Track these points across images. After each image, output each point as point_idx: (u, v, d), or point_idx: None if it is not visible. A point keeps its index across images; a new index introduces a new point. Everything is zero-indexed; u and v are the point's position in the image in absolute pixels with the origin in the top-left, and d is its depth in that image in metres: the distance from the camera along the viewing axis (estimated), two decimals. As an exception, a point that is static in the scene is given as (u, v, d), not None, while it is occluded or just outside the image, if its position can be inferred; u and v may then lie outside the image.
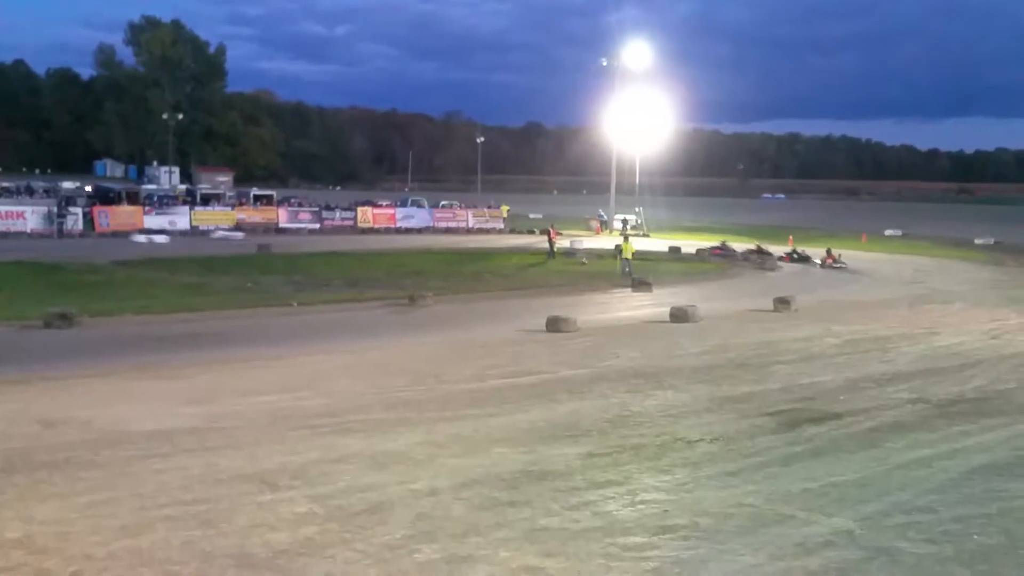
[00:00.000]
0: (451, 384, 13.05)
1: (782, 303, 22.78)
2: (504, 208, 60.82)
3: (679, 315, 20.63)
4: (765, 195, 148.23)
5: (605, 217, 60.29)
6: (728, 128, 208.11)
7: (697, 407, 11.59)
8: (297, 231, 49.11)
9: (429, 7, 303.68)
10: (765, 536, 6.80)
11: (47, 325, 18.31)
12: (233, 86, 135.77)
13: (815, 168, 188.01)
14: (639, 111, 59.67)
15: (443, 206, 60.53)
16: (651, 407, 11.54)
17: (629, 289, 28.53)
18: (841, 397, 12.28)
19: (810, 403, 11.87)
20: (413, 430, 10.09)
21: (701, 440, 9.83)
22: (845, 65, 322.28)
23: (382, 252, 39.47)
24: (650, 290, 27.84)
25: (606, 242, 43.66)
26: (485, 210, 60.03)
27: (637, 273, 30.75)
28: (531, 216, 66.80)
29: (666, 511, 7.38)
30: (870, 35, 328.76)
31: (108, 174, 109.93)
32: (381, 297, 24.88)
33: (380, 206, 57.57)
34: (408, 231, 52.52)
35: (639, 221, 58.25)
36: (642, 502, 7.61)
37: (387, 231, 52.21)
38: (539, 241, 45.18)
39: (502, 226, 57.34)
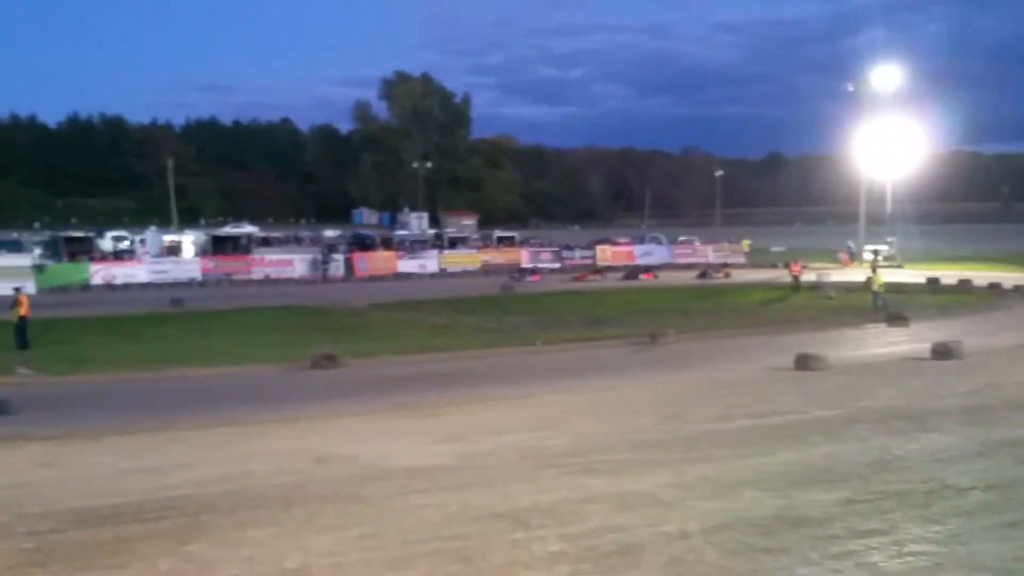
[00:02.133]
0: (696, 424, 12.84)
1: (1063, 337, 20.70)
2: (745, 242, 59.48)
3: (942, 351, 19.23)
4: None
5: (854, 248, 57.36)
6: (989, 149, 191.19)
7: (967, 451, 10.69)
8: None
9: (660, 44, 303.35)
10: (1056, 598, 6.15)
11: (314, 365, 19.95)
12: (476, 133, 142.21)
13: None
14: (889, 135, 56.51)
15: (681, 241, 60.09)
16: (915, 451, 10.78)
17: (883, 324, 27.13)
18: None
19: (1103, 450, 10.65)
20: (659, 471, 9.99)
21: (974, 488, 9.05)
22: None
23: (621, 289, 39.69)
24: (907, 325, 26.43)
25: (855, 275, 41.56)
26: (725, 244, 59.01)
27: (892, 307, 29.06)
28: (773, 249, 64.85)
29: (938, 564, 6.83)
30: None
31: (364, 221, 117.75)
32: (621, 335, 25.04)
33: (619, 244, 58.05)
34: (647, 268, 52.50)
35: (891, 252, 54.95)
36: (911, 554, 7.08)
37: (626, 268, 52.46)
38: (782, 275, 43.83)
39: (743, 260, 56.02)
